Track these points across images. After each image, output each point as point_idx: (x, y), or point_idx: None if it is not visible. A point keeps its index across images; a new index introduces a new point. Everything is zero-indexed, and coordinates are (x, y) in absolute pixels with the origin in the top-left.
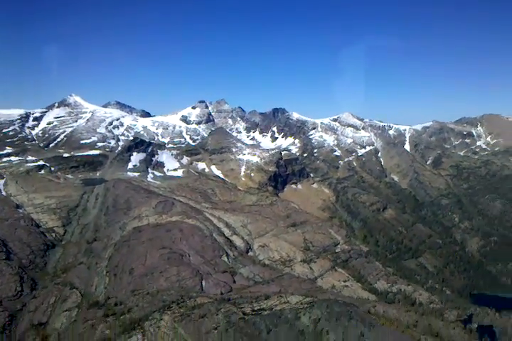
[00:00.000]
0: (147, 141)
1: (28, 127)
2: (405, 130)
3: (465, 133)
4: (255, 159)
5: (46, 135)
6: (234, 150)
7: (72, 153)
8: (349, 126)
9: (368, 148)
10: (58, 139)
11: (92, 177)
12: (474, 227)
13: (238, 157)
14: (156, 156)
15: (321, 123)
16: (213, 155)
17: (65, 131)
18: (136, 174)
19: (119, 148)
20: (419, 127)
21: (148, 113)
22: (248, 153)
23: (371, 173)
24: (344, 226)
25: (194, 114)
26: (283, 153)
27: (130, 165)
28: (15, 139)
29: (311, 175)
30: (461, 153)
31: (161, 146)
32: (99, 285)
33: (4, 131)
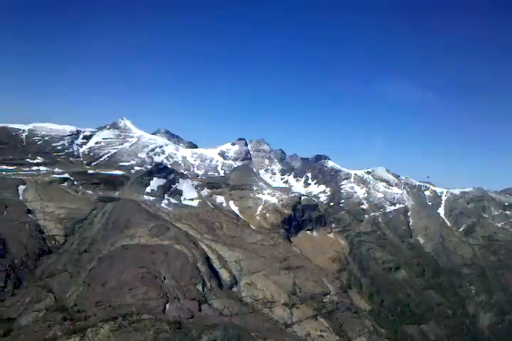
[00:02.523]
0: (170, 168)
1: (77, 144)
2: (442, 193)
3: (507, 204)
4: (274, 200)
5: (91, 154)
6: (255, 188)
7: (96, 170)
8: (382, 180)
9: (398, 206)
10: (101, 159)
11: (109, 196)
12: (491, 302)
13: (257, 195)
14: (176, 184)
15: (355, 174)
16: (233, 191)
17: (109, 152)
18: (152, 198)
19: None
20: (457, 191)
21: (195, 145)
22: (268, 193)
23: (395, 232)
24: (352, 280)
25: (233, 150)
26: (303, 198)
27: (148, 189)
28: (61, 154)
29: (333, 224)
30: (499, 225)
31: (183, 175)
32: (73, 292)
33: (54, 144)
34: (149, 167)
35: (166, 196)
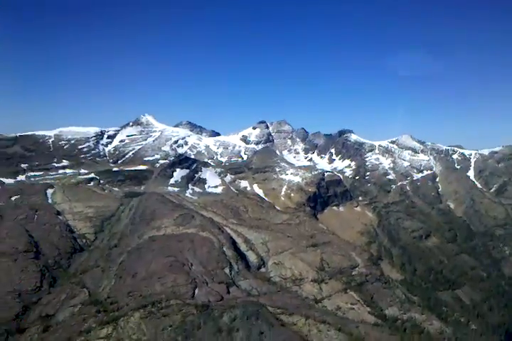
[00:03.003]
0: (192, 158)
1: (102, 144)
2: (471, 155)
3: None
4: (297, 179)
5: (117, 152)
6: (277, 169)
7: (121, 167)
8: (407, 148)
9: (425, 173)
10: (127, 156)
11: (135, 191)
12: None
13: (281, 177)
14: (199, 173)
15: (379, 145)
16: (256, 174)
17: (134, 149)
18: (176, 189)
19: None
20: (486, 152)
21: (218, 133)
22: (291, 173)
23: (424, 199)
24: (382, 252)
25: (254, 134)
26: (326, 174)
27: (172, 181)
28: (88, 155)
29: (360, 198)
30: None
31: (206, 164)
32: (106, 286)
33: (80, 147)
34: (172, 159)
35: (189, 186)
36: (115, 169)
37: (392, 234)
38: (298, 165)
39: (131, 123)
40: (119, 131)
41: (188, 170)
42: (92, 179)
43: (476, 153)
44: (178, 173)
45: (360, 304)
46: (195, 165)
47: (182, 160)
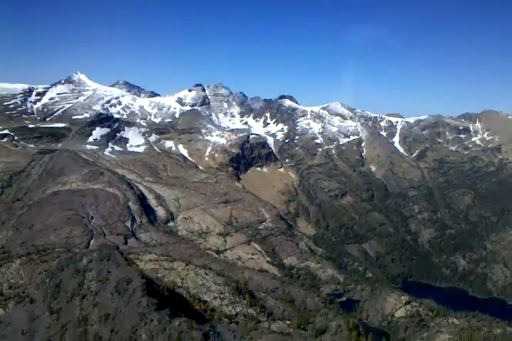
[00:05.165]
0: (114, 117)
1: (31, 101)
2: (397, 122)
3: (461, 128)
4: (222, 141)
5: (45, 110)
6: (203, 131)
7: (37, 124)
8: (337, 115)
9: (352, 138)
10: (55, 114)
11: (52, 148)
12: (433, 219)
13: (206, 138)
14: (122, 132)
15: (311, 111)
16: (182, 135)
17: (63, 107)
18: (95, 147)
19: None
20: (412, 120)
21: (158, 94)
22: (217, 135)
23: (347, 162)
24: (300, 209)
25: (190, 96)
26: (251, 136)
27: (91, 139)
28: (13, 112)
29: (287, 160)
30: (453, 148)
31: (129, 123)
32: (3, 237)
33: (5, 103)
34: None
35: (110, 144)
36: (31, 126)
37: (310, 194)
38: (231, 128)
39: (62, 81)
40: (49, 88)
41: (109, 129)
42: (5, 135)
43: (402, 121)
44: (98, 132)
45: (260, 254)
46: (117, 125)
47: (102, 119)
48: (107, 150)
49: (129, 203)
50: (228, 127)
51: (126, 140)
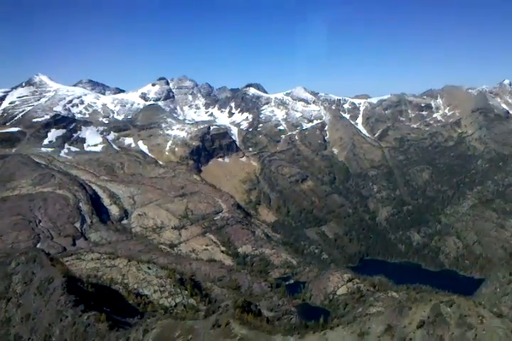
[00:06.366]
0: (70, 117)
1: None
2: (360, 103)
3: (423, 105)
4: (182, 134)
5: (5, 114)
6: (163, 125)
7: None
8: (300, 100)
9: (315, 122)
10: (16, 118)
11: (5, 154)
12: (391, 197)
13: (166, 132)
14: (79, 132)
15: (275, 98)
16: (142, 131)
17: (24, 110)
18: (50, 149)
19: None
20: (375, 100)
21: (123, 90)
22: (177, 129)
23: (310, 147)
24: (261, 197)
25: (153, 91)
26: (212, 127)
27: (46, 141)
28: None
29: (250, 149)
30: (415, 126)
31: (87, 122)
32: None
33: None
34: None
35: (66, 145)
36: None
37: (271, 181)
38: (195, 121)
39: (23, 84)
40: (9, 92)
41: (64, 130)
42: None
43: (365, 102)
44: (53, 133)
45: (215, 245)
46: (73, 125)
47: (58, 120)
48: (62, 151)
49: (80, 204)
50: (193, 120)
51: (83, 140)
